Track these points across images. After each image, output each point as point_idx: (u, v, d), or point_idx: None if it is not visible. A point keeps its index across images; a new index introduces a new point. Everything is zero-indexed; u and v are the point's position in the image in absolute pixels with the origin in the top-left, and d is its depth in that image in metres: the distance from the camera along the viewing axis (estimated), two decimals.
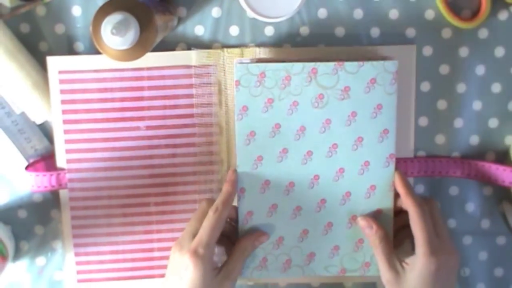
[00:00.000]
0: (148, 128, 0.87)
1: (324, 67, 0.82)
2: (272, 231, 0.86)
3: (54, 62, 0.85)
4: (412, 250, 0.81)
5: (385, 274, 0.81)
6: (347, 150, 0.84)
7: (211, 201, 0.82)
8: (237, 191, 0.84)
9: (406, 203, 0.81)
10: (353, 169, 0.84)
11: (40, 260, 0.91)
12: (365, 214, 0.84)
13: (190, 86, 0.87)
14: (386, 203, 0.85)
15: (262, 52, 0.86)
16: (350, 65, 0.82)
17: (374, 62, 0.82)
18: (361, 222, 0.84)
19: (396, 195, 0.84)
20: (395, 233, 0.85)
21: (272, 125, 0.83)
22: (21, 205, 0.90)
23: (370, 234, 0.83)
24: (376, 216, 0.85)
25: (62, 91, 0.86)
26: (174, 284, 0.79)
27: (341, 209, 0.85)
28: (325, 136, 0.83)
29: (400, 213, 0.84)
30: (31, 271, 0.91)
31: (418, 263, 0.78)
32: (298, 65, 0.82)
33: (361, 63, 0.82)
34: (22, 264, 0.91)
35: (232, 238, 0.85)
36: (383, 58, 0.83)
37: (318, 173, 0.84)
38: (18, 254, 0.90)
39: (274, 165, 0.84)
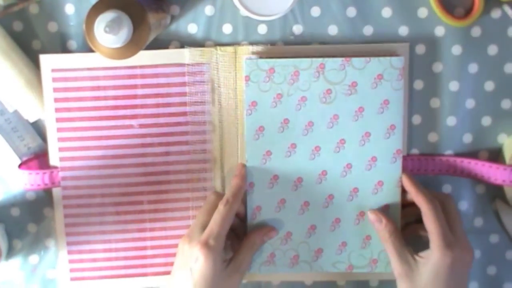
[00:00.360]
0: (141, 126, 0.87)
1: (331, 62, 0.83)
2: (280, 226, 0.87)
3: (47, 60, 0.85)
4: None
5: (396, 267, 0.82)
6: (354, 146, 0.85)
7: (219, 195, 0.84)
8: (246, 185, 0.85)
9: (418, 201, 0.82)
10: (360, 164, 0.85)
11: (33, 259, 0.91)
12: (374, 209, 0.85)
13: (183, 84, 0.87)
14: (394, 199, 0.86)
15: (255, 50, 0.86)
16: (357, 61, 0.83)
17: (381, 58, 0.84)
18: (371, 216, 0.85)
19: (403, 190, 0.85)
20: (403, 229, 0.86)
21: (281, 120, 0.84)
22: (14, 203, 0.90)
23: (380, 228, 0.84)
24: (384, 211, 0.86)
25: (55, 89, 0.86)
26: (183, 277, 0.79)
27: (348, 205, 0.86)
28: (333, 131, 0.85)
29: (407, 208, 0.86)
30: (24, 270, 0.91)
31: (433, 256, 0.79)
32: (307, 61, 0.83)
33: (368, 59, 0.83)
34: (15, 262, 0.91)
35: (239, 233, 0.86)
36: (390, 54, 0.84)
37: (326, 169, 0.85)
38: (11, 252, 0.90)
39: (282, 160, 0.85)
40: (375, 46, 0.86)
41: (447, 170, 0.89)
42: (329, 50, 0.86)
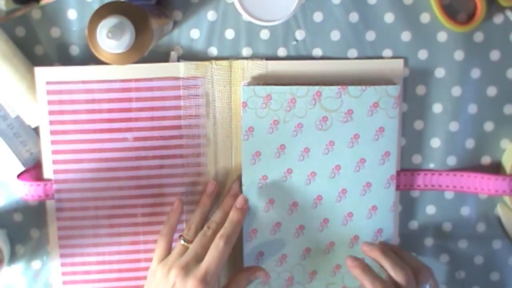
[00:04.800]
0: (136, 139, 0.87)
1: (328, 90, 0.84)
2: (276, 248, 0.88)
3: (42, 73, 0.85)
4: None
5: None
6: (349, 172, 0.86)
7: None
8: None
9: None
10: (355, 190, 0.87)
11: (36, 264, 0.91)
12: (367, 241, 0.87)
13: (178, 97, 0.86)
14: (387, 223, 0.88)
15: (250, 65, 0.86)
16: (353, 89, 0.84)
17: (377, 87, 0.84)
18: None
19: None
20: None
21: (277, 146, 0.85)
22: (16, 209, 0.90)
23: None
24: (376, 236, 0.88)
25: (50, 102, 0.85)
26: None
27: (343, 229, 0.88)
28: (328, 158, 0.86)
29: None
30: (27, 275, 0.91)
31: None
32: (303, 88, 0.84)
33: (364, 87, 0.84)
34: (18, 267, 0.91)
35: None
36: (386, 83, 0.85)
37: (321, 194, 0.87)
38: (13, 257, 0.90)
39: (278, 184, 0.86)
40: (370, 63, 0.86)
41: (447, 186, 0.89)
42: (323, 68, 0.86)
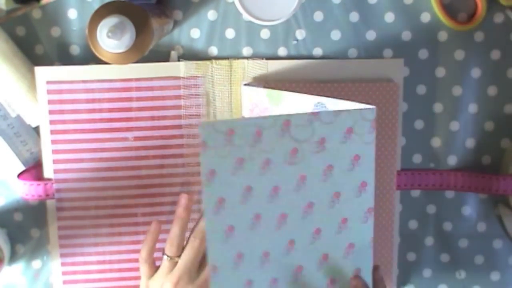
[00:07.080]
0: (136, 139, 0.87)
1: (297, 118, 0.72)
2: None
3: (42, 72, 0.85)
4: None
5: None
6: (323, 208, 0.75)
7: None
8: (209, 269, 0.72)
9: None
10: (330, 228, 0.75)
11: (36, 263, 0.91)
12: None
13: (178, 97, 0.86)
14: (366, 261, 0.78)
15: (250, 65, 0.86)
16: (326, 115, 0.73)
17: (352, 110, 0.74)
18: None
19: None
20: None
21: (243, 188, 0.71)
22: (17, 208, 0.90)
23: None
24: (356, 276, 0.77)
25: (50, 102, 0.85)
26: None
27: (318, 274, 0.76)
28: (300, 195, 0.74)
29: None
30: (27, 274, 0.91)
31: None
32: (270, 119, 0.71)
33: (337, 111, 0.73)
34: (18, 267, 0.91)
35: None
36: (386, 82, 0.84)
37: (293, 238, 0.75)
38: (14, 257, 0.90)
39: (246, 234, 0.72)
40: (370, 62, 0.86)
41: (447, 185, 0.89)
42: (323, 68, 0.86)
